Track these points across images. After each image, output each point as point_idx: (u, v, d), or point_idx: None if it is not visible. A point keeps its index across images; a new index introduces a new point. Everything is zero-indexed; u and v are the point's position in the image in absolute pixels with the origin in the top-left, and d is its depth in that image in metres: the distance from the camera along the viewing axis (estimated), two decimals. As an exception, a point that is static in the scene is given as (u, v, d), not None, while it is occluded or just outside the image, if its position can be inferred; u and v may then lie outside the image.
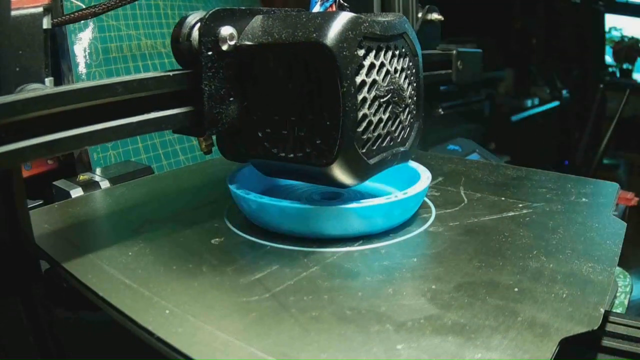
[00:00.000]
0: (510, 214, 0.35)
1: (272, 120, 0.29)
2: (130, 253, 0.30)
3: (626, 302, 0.42)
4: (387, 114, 0.29)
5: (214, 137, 0.33)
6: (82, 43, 0.52)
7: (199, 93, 0.28)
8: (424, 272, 0.28)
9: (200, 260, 0.29)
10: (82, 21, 0.51)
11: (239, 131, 0.30)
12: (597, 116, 1.71)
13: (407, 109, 0.32)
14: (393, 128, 0.30)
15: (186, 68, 0.29)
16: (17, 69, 0.27)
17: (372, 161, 0.29)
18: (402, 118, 0.31)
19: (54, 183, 0.43)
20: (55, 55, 0.52)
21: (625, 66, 2.13)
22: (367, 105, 0.28)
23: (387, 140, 0.30)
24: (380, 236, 0.31)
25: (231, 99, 0.29)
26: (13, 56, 0.27)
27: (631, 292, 0.44)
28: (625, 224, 0.33)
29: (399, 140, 0.31)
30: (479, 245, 0.30)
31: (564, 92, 1.86)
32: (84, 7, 0.47)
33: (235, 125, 0.30)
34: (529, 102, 1.64)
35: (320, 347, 0.21)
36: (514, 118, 1.51)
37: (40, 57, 0.28)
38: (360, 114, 0.27)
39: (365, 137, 0.28)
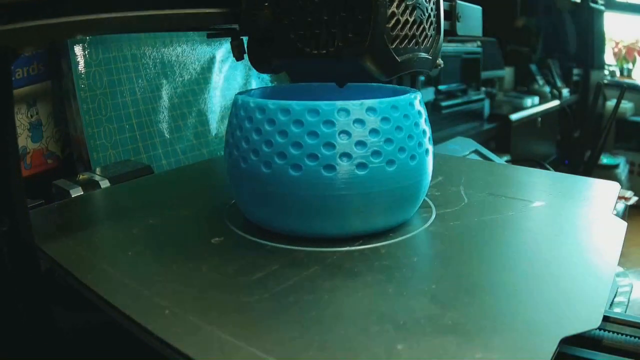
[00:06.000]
0: (510, 214, 0.35)
1: (304, 22, 0.31)
2: (130, 253, 0.30)
3: (626, 302, 0.42)
4: (413, 17, 0.32)
5: (245, 44, 0.34)
6: (82, 42, 0.52)
7: None
8: (424, 272, 0.28)
9: (200, 260, 0.29)
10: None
11: (272, 38, 0.32)
12: (597, 116, 1.71)
13: (429, 20, 0.34)
14: (418, 32, 0.33)
15: None
16: None
17: (400, 58, 0.31)
18: (425, 26, 0.33)
19: (54, 182, 0.43)
20: (55, 54, 0.52)
21: (625, 66, 2.13)
22: (395, 4, 0.30)
23: (412, 42, 0.32)
24: (381, 236, 0.31)
25: (266, 3, 0.31)
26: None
27: (631, 292, 0.44)
28: (626, 224, 0.33)
29: (422, 46, 0.34)
30: (480, 245, 0.30)
31: (564, 91, 1.86)
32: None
33: (268, 31, 0.32)
34: (528, 102, 1.64)
35: (320, 347, 0.21)
36: (514, 117, 1.51)
37: None
38: (390, 11, 0.30)
39: (394, 33, 0.31)
